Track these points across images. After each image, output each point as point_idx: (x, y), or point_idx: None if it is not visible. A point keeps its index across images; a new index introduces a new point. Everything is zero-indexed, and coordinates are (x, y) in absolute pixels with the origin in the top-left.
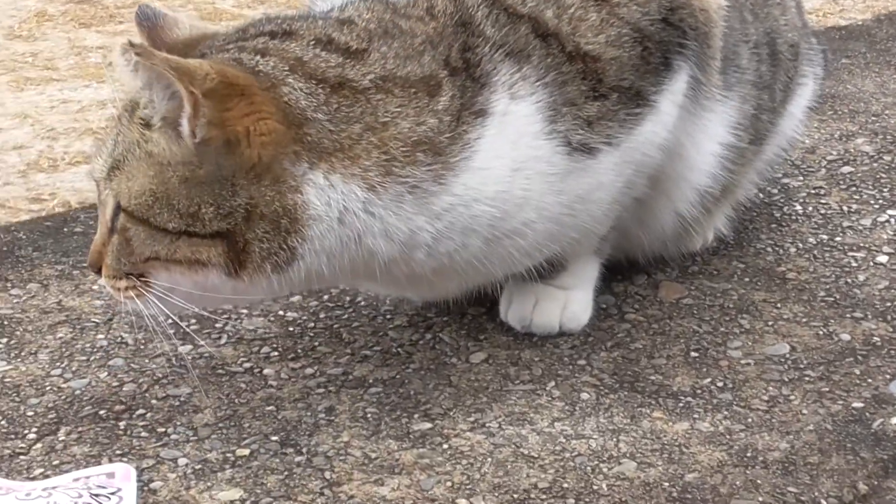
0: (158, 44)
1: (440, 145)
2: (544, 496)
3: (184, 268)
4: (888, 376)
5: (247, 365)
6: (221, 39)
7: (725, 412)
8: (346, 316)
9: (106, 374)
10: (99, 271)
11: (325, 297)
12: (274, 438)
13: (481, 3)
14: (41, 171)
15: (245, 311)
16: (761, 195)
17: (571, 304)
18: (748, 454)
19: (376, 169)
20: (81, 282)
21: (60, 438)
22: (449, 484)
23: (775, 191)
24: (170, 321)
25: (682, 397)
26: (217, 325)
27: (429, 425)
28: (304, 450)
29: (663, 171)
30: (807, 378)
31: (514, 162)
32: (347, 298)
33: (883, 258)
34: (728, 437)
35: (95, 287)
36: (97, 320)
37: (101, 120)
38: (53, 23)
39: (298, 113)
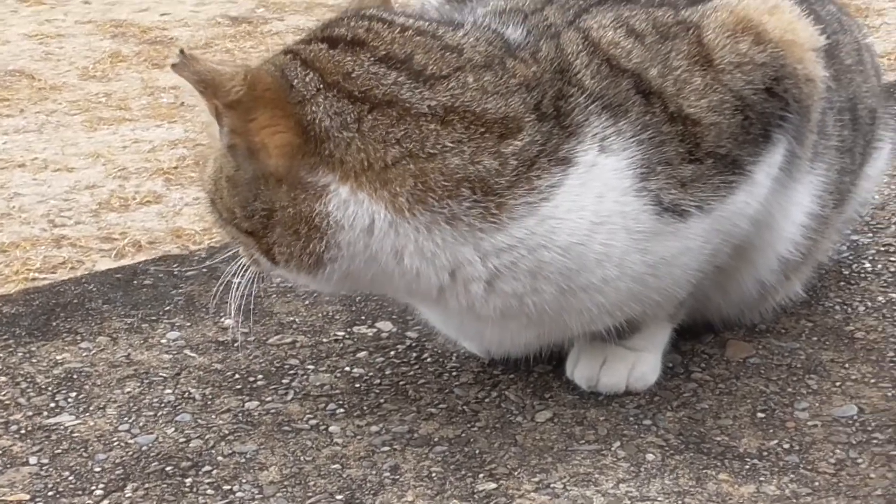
0: None
1: (495, 186)
2: None
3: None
4: None
5: (313, 422)
6: (312, 31)
7: (792, 475)
8: (412, 373)
9: (173, 429)
10: None
11: (392, 353)
12: (339, 497)
13: (581, 50)
14: (112, 210)
15: (312, 366)
16: (829, 252)
17: (640, 365)
18: None
19: (407, 196)
20: (150, 335)
21: (127, 495)
22: None
23: (844, 248)
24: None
25: (749, 459)
26: (284, 381)
27: (493, 485)
28: None
29: (750, 241)
30: (875, 441)
31: (596, 216)
32: (414, 355)
33: None
34: (794, 500)
35: (164, 341)
36: (165, 374)
37: (172, 160)
38: (127, 63)
39: (321, 132)
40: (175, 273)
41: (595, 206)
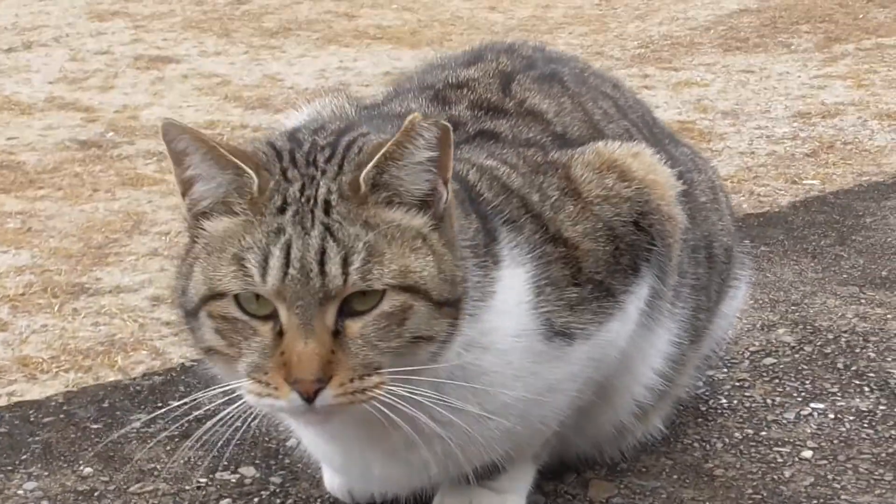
0: None
1: (482, 263)
2: None
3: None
4: None
5: None
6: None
7: None
8: None
9: None
10: (325, 383)
11: (256, 499)
12: None
13: (469, 169)
14: None
15: None
16: (687, 388)
17: None
18: None
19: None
20: (6, 486)
21: None
22: None
23: (701, 384)
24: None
25: None
26: None
27: None
28: None
29: (610, 382)
30: None
31: (518, 324)
32: (278, 501)
33: (807, 453)
34: None
35: (20, 492)
36: None
37: (18, 286)
38: None
39: None
40: (31, 419)
41: (517, 315)
